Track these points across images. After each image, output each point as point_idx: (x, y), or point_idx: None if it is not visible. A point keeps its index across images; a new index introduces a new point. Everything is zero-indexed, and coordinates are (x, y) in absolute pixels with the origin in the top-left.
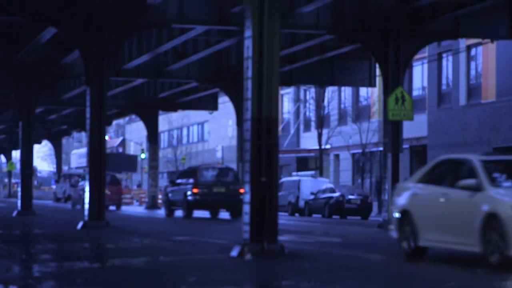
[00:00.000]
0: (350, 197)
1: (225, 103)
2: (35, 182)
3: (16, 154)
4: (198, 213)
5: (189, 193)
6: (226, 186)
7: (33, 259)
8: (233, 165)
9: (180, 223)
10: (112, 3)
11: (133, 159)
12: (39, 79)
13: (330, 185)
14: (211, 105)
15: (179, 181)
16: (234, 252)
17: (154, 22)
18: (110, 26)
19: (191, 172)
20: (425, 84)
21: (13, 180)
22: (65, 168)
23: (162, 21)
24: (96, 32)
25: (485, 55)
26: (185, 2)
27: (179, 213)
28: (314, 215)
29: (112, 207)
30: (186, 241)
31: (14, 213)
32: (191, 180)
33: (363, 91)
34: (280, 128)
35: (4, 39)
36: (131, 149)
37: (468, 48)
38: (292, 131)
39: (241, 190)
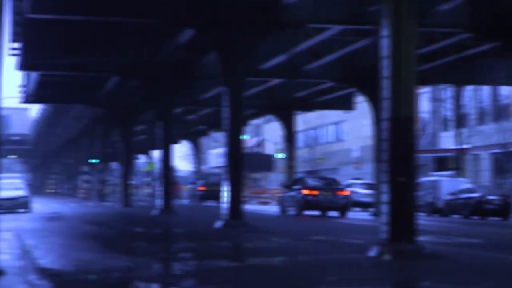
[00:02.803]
0: (490, 197)
1: (361, 103)
2: (181, 182)
3: (155, 154)
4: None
5: (300, 195)
6: (331, 191)
7: (173, 257)
8: (369, 165)
9: (310, 222)
10: (248, 4)
11: (270, 159)
12: (177, 80)
13: (470, 185)
14: (347, 104)
15: (294, 187)
16: (372, 252)
17: (289, 22)
18: (246, 27)
19: (301, 179)
20: None
21: (146, 180)
22: (203, 167)
23: (297, 21)
24: (233, 33)
25: None
26: (320, 1)
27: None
28: (452, 216)
29: None
30: (322, 240)
31: (155, 212)
32: (301, 186)
33: (503, 89)
34: (417, 127)
35: (143, 41)
36: (268, 149)
37: None
38: (429, 130)
39: (344, 193)
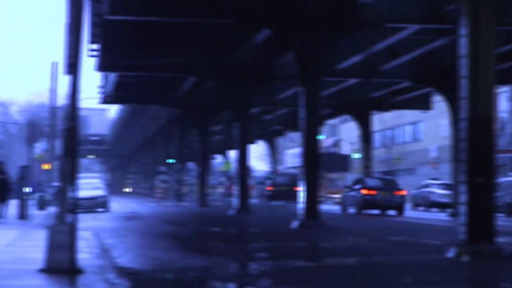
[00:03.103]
0: None
1: (438, 102)
2: (251, 182)
3: (232, 154)
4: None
5: (360, 195)
6: (389, 191)
7: (249, 257)
8: (447, 166)
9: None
10: (325, 4)
11: (346, 159)
12: (253, 80)
13: None
14: (424, 104)
15: (354, 187)
16: (450, 253)
17: (366, 22)
18: (322, 27)
19: (361, 179)
20: None
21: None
22: (279, 167)
23: (374, 20)
24: (309, 33)
25: None
26: (397, 0)
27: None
28: None
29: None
30: (399, 241)
31: (231, 212)
32: (360, 186)
33: None
34: (496, 127)
35: (220, 41)
36: (345, 149)
37: None
38: (508, 130)
39: (401, 192)
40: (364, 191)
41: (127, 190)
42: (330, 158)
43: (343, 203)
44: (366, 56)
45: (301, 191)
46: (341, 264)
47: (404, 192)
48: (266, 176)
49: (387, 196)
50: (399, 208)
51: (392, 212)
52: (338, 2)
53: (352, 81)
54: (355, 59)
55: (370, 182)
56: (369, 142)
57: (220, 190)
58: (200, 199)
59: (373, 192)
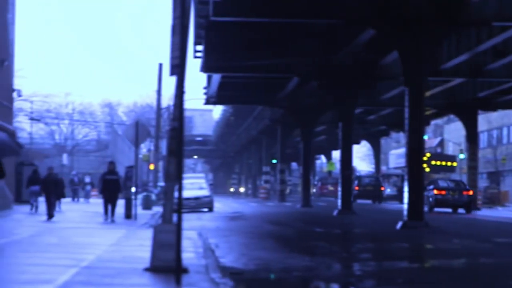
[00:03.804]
0: None
1: None
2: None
3: (335, 154)
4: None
5: (431, 194)
6: (458, 191)
7: (353, 257)
8: None
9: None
10: (430, 2)
11: (452, 159)
12: (357, 81)
13: None
14: None
15: (428, 187)
16: None
17: (472, 20)
18: (427, 26)
19: (434, 181)
20: None
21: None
22: (383, 168)
23: (481, 19)
24: (414, 32)
25: None
26: None
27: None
28: None
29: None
30: (506, 243)
31: (335, 212)
32: (433, 187)
33: None
34: None
35: (323, 41)
36: (450, 149)
37: None
38: None
39: (469, 192)
40: (435, 191)
41: (232, 190)
42: (435, 158)
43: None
44: (471, 55)
45: (405, 191)
46: (447, 266)
47: (471, 192)
48: (353, 177)
49: (455, 195)
50: (467, 207)
51: (461, 210)
52: (444, 1)
53: (457, 80)
54: (461, 58)
55: (442, 183)
56: (475, 142)
57: (313, 190)
58: (303, 199)
59: (443, 192)
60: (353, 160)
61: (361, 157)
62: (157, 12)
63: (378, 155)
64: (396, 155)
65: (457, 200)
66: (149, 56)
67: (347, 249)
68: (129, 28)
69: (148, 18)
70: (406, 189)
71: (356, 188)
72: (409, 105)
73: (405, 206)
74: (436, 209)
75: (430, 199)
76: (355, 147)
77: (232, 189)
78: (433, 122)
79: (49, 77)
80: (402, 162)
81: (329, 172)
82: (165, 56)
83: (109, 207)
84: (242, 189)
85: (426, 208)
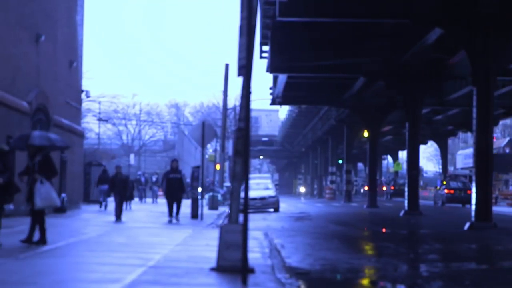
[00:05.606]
0: None
1: None
2: (421, 183)
3: (402, 154)
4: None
5: (443, 193)
6: (464, 190)
7: (420, 258)
8: None
9: None
10: (498, 1)
11: None
12: (424, 80)
13: None
14: None
15: (441, 187)
16: None
17: None
18: (496, 24)
19: (446, 182)
20: None
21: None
22: (450, 168)
23: None
24: (482, 31)
25: None
26: None
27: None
28: None
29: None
30: None
31: (401, 213)
32: (445, 186)
33: None
34: None
35: (389, 40)
36: None
37: None
38: None
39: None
40: (446, 190)
41: (303, 190)
42: (503, 158)
43: (434, 199)
44: None
45: (473, 192)
46: None
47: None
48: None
49: (462, 194)
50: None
51: (468, 206)
52: None
53: None
54: None
55: (452, 183)
56: None
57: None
58: (370, 200)
59: (452, 191)
60: (420, 160)
61: (428, 157)
62: (225, 14)
63: (445, 156)
64: (463, 156)
65: (464, 197)
66: (216, 56)
67: (414, 250)
68: (197, 28)
69: (216, 19)
70: (473, 190)
71: (392, 187)
72: (477, 105)
73: (473, 207)
74: (447, 205)
75: (442, 196)
76: (422, 147)
77: (302, 189)
78: (501, 122)
79: (116, 78)
80: (469, 162)
81: (396, 173)
82: (231, 56)
83: (174, 207)
84: (302, 189)
85: (439, 204)
